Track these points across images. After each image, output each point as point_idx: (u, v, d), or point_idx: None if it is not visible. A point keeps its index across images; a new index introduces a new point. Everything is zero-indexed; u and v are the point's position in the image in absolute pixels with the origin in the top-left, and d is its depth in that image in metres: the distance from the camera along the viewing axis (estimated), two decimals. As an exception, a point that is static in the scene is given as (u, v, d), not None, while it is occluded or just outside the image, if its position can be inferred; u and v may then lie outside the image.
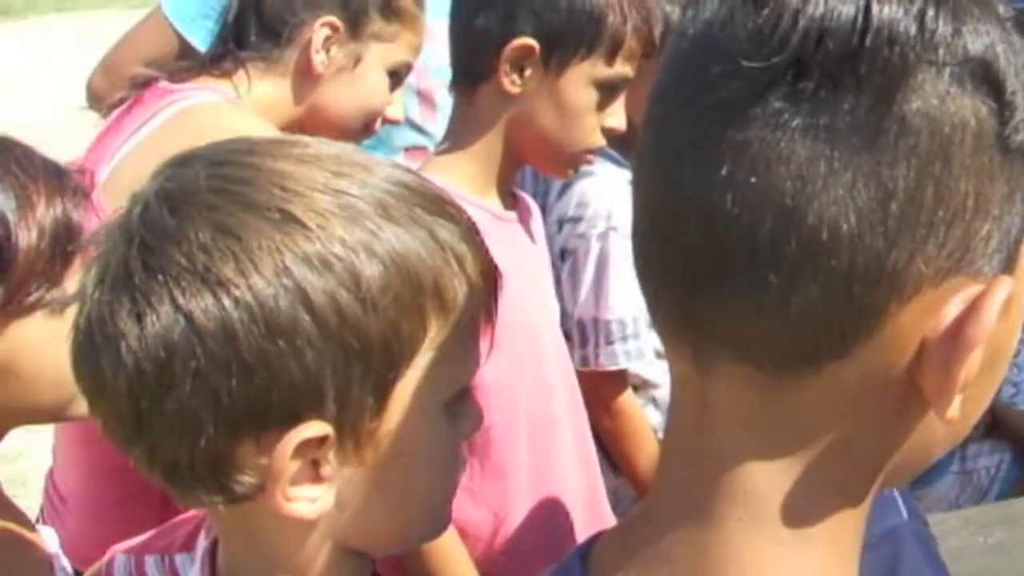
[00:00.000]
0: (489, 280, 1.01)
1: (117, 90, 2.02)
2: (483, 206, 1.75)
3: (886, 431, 0.72)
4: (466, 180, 1.75)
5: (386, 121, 2.05)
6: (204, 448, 0.91)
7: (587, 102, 1.73)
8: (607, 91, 1.72)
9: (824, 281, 0.66)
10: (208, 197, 0.92)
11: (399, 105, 2.07)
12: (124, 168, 1.80)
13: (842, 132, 0.65)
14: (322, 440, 0.92)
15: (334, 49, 1.95)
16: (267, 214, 0.91)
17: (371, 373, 0.92)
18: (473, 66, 1.75)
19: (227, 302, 0.89)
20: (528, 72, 1.70)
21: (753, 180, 0.66)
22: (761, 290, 0.67)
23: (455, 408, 1.01)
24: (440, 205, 0.99)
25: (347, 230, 0.92)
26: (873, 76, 0.65)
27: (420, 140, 2.27)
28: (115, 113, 1.95)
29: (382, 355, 0.92)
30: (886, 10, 0.65)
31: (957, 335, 0.67)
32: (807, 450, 0.71)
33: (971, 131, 0.66)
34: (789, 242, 0.66)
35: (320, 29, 1.93)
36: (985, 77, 0.66)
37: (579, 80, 1.71)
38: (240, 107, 1.88)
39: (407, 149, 2.30)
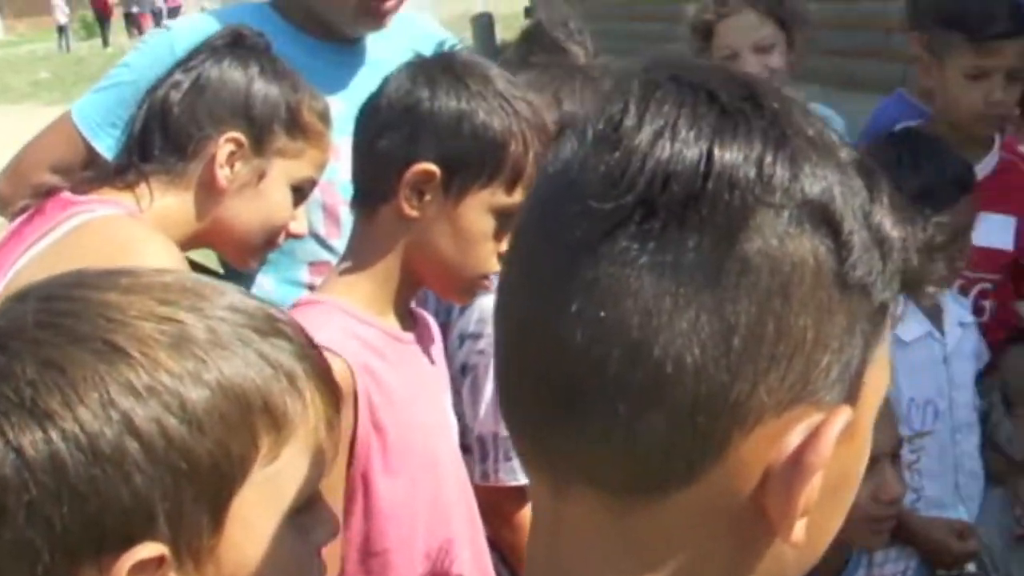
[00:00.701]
0: (328, 394, 1.04)
1: (20, 197, 2.01)
2: (380, 327, 1.76)
3: (735, 556, 0.74)
4: (364, 301, 1.76)
5: (289, 235, 2.06)
6: (44, 574, 0.93)
7: (485, 229, 1.74)
8: (505, 219, 1.73)
9: (670, 411, 0.69)
10: (35, 332, 0.95)
11: (303, 220, 2.07)
12: (20, 281, 1.78)
13: (687, 270, 0.68)
14: (160, 561, 0.94)
15: (238, 164, 1.95)
16: (92, 345, 0.94)
17: (203, 492, 0.95)
18: (373, 187, 1.77)
19: (54, 434, 0.92)
20: (428, 197, 1.72)
21: (602, 315, 0.69)
22: (610, 419, 0.70)
23: (303, 519, 1.04)
24: (273, 325, 1.02)
25: (172, 356, 0.95)
26: (715, 217, 0.68)
27: (324, 255, 2.28)
28: (17, 222, 1.94)
29: (212, 474, 0.95)
30: (727, 155, 0.69)
31: (797, 462, 0.70)
32: (656, 574, 0.73)
33: (810, 269, 0.70)
34: (636, 374, 0.69)
35: (224, 144, 1.93)
36: (823, 218, 0.70)
37: (478, 207, 1.73)
38: (140, 221, 1.87)
39: (311, 263, 2.30)
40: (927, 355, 2.63)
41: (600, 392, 0.70)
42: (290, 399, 1.00)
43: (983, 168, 2.87)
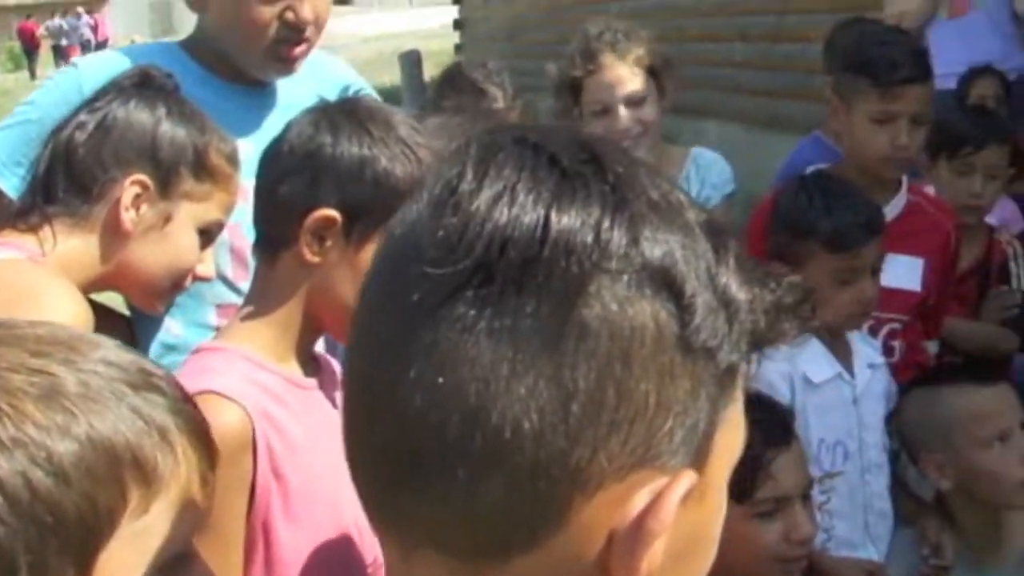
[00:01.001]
0: (202, 449, 1.04)
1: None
2: (282, 373, 1.74)
3: None
4: (265, 347, 1.75)
5: (196, 278, 2.04)
6: None
7: None
8: (407, 266, 1.73)
9: (509, 477, 0.69)
10: None
11: (210, 263, 2.06)
12: None
13: (525, 335, 0.68)
14: None
15: (144, 207, 1.94)
16: None
17: (69, 546, 0.94)
18: (275, 233, 1.76)
19: None
20: (329, 243, 1.71)
21: (441, 380, 0.69)
22: (450, 484, 0.70)
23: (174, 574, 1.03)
24: (147, 379, 1.02)
25: (40, 409, 0.94)
26: (553, 283, 0.69)
27: (232, 297, 2.26)
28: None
29: (79, 528, 0.94)
30: (564, 220, 0.69)
31: (639, 527, 0.70)
32: None
33: (651, 334, 0.70)
34: (474, 440, 0.69)
35: (130, 187, 1.92)
36: (664, 282, 0.71)
37: None
38: (41, 266, 1.85)
39: (219, 305, 2.29)
40: (837, 396, 2.66)
41: (440, 457, 0.70)
42: (161, 454, 0.99)
43: (891, 210, 2.92)
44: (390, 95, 14.76)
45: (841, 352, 2.68)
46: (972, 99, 5.04)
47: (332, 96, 1.88)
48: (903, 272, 2.92)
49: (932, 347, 3.13)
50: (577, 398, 0.68)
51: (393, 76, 13.71)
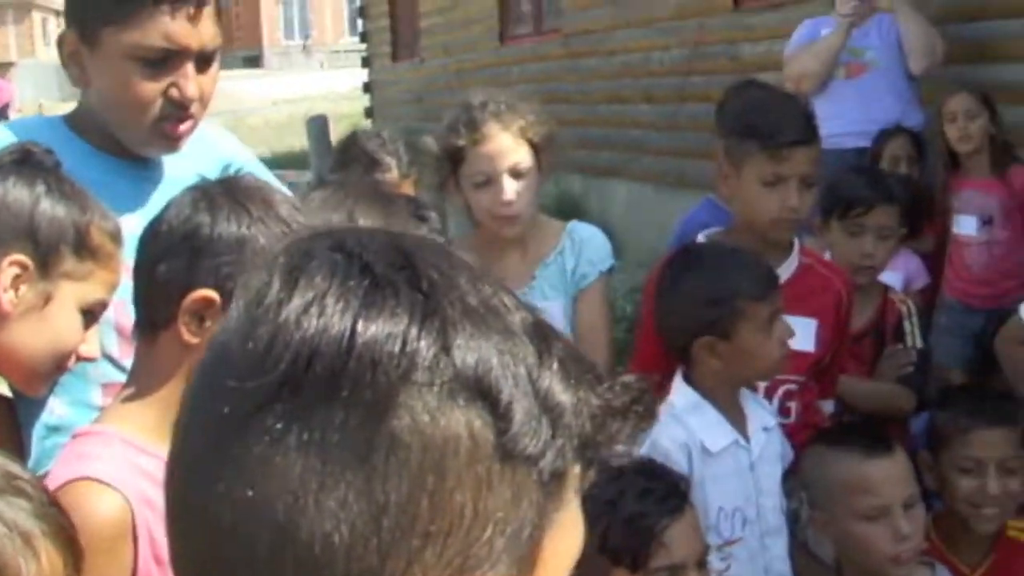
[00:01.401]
0: (67, 552, 1.02)
1: None
2: (162, 456, 1.71)
3: None
4: (146, 429, 1.72)
5: (80, 359, 2.01)
6: None
7: None
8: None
9: None
10: None
11: (94, 342, 2.03)
12: None
13: (334, 448, 0.67)
14: None
15: (23, 288, 1.90)
16: None
17: None
18: (154, 313, 1.74)
19: None
20: (208, 323, 1.69)
21: (250, 495, 0.68)
22: None
23: None
24: (11, 483, 1.00)
25: None
26: (360, 395, 0.68)
27: (118, 376, 2.22)
28: None
29: None
30: (372, 330, 0.69)
31: None
32: None
33: (465, 444, 0.69)
34: (285, 556, 0.68)
35: (8, 267, 1.89)
36: (478, 391, 0.70)
37: None
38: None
39: (104, 384, 2.25)
40: (734, 464, 2.66)
41: (253, 573, 0.68)
42: (24, 559, 0.97)
43: (783, 272, 2.94)
44: (299, 159, 14.72)
45: (736, 418, 2.69)
46: (885, 159, 5.15)
47: (215, 173, 1.86)
48: (797, 333, 2.94)
49: (828, 406, 3.16)
50: (389, 511, 0.67)
51: (303, 140, 13.69)
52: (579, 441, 0.74)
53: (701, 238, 3.04)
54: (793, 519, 2.84)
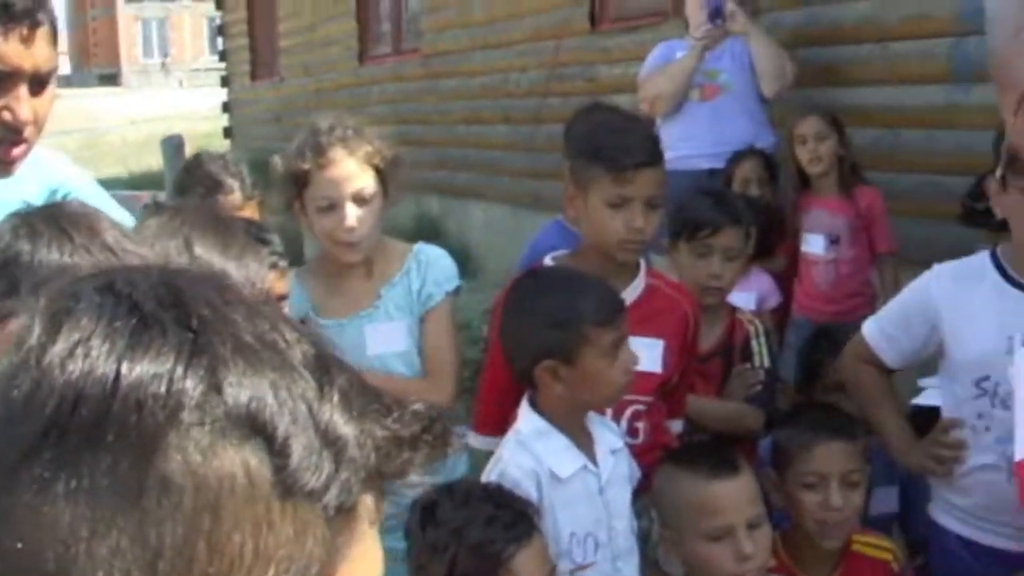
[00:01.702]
0: None
1: None
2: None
3: None
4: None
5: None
6: None
7: None
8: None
9: None
10: None
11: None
12: None
13: (104, 494, 0.65)
14: None
15: None
16: None
17: None
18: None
19: None
20: None
21: (20, 546, 0.65)
22: None
23: None
24: None
25: None
26: (127, 437, 0.65)
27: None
28: None
29: None
30: (137, 371, 0.66)
31: None
32: None
33: (240, 483, 0.67)
34: None
35: None
36: (252, 428, 0.68)
37: None
38: None
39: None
40: (583, 488, 2.65)
41: None
42: None
43: (631, 293, 2.96)
44: (156, 180, 14.47)
45: (584, 442, 2.69)
46: (737, 181, 5.24)
47: (44, 198, 1.81)
48: (644, 354, 2.96)
49: (677, 426, 3.18)
50: (164, 555, 0.65)
51: (160, 160, 13.49)
52: (365, 473, 0.73)
53: (549, 260, 3.04)
54: (644, 538, 2.86)
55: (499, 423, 2.89)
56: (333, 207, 3.04)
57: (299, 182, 3.07)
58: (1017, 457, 2.56)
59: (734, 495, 2.68)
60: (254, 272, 2.26)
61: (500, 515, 2.27)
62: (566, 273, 2.79)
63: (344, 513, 0.72)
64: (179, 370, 0.67)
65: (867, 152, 5.75)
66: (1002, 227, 3.08)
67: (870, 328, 3.16)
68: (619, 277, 2.93)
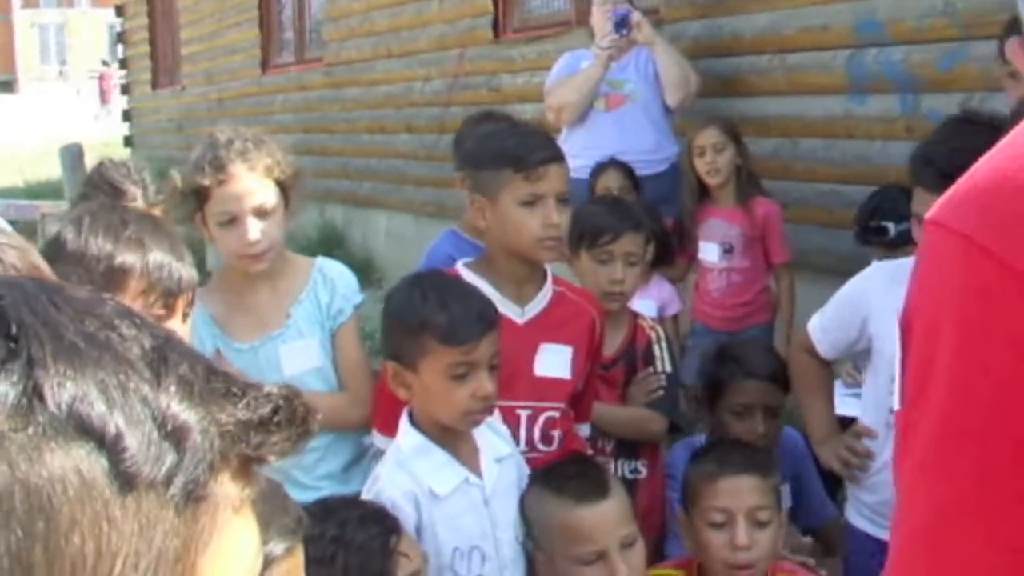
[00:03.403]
0: None
1: None
2: None
3: None
4: None
5: None
6: None
7: None
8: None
9: None
10: None
11: None
12: None
13: None
14: None
15: None
16: None
17: None
18: None
19: None
20: None
21: None
22: None
23: None
24: None
25: None
26: None
27: None
28: None
29: None
30: None
31: None
32: None
33: (73, 484, 0.66)
34: None
35: None
36: (81, 428, 0.67)
37: None
38: None
39: None
40: (467, 503, 2.60)
41: None
42: None
43: (540, 300, 2.97)
44: (55, 189, 14.22)
45: (466, 453, 2.64)
46: (598, 190, 5.30)
47: None
48: (554, 361, 2.98)
49: (584, 430, 3.20)
50: (1, 565, 0.64)
51: (58, 169, 13.27)
52: (213, 459, 0.72)
53: (460, 267, 3.03)
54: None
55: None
56: (234, 221, 3.02)
57: (199, 196, 3.05)
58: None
59: (604, 519, 2.59)
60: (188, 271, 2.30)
61: (367, 514, 2.29)
62: (445, 282, 2.74)
63: (197, 502, 0.71)
64: None
65: (767, 161, 5.85)
66: (896, 244, 3.17)
67: (812, 320, 3.26)
68: (529, 283, 2.94)
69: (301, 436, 0.78)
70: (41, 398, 0.67)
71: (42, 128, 27.18)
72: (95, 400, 0.68)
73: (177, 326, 2.25)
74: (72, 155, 10.55)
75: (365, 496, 2.57)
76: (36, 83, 52.65)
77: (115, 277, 2.20)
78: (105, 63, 38.71)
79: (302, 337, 3.14)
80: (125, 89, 17.38)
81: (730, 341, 4.25)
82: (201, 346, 2.98)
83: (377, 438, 2.98)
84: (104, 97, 34.60)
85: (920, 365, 0.92)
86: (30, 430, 0.66)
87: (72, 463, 0.66)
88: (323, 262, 3.28)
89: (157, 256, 2.25)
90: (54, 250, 2.24)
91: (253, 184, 3.02)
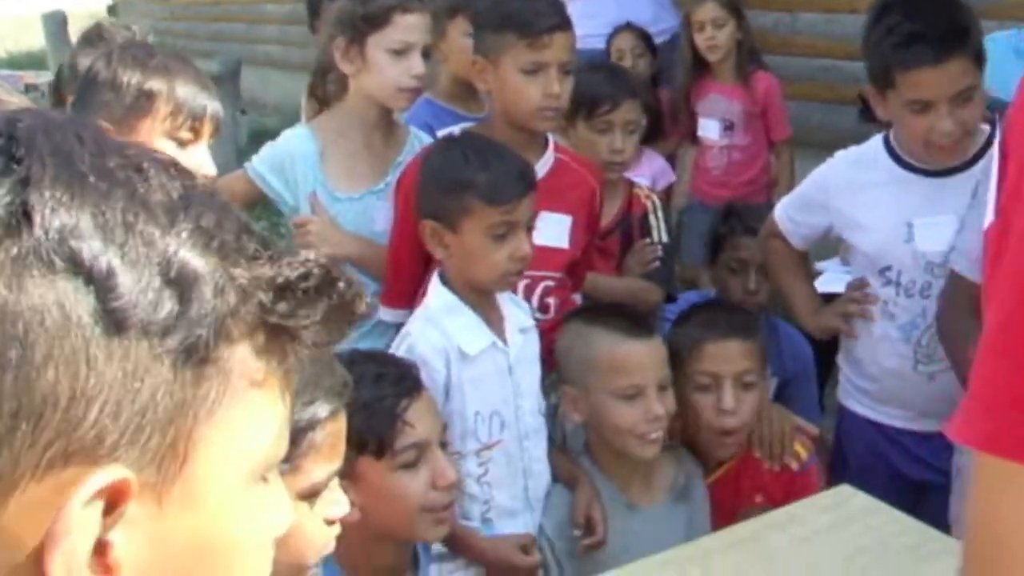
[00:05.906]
0: None
1: None
2: None
3: None
4: None
5: None
6: None
7: None
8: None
9: None
10: None
11: None
12: None
13: None
14: None
15: None
16: None
17: None
18: None
19: None
20: None
21: None
22: None
23: None
24: None
25: None
26: None
27: None
28: None
29: None
30: None
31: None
32: None
33: (53, 315, 0.63)
34: None
35: None
36: (68, 259, 0.64)
37: None
38: None
39: None
40: (492, 367, 2.62)
41: None
42: None
43: (541, 168, 2.92)
44: (37, 59, 14.02)
45: (493, 319, 2.65)
46: (613, 53, 5.22)
47: None
48: (553, 230, 2.94)
49: (576, 300, 3.18)
50: None
51: (41, 39, 13.08)
52: (222, 316, 0.68)
53: (456, 132, 2.98)
54: (552, 414, 2.85)
55: (408, 296, 2.86)
56: (405, 52, 3.00)
57: (375, 22, 3.00)
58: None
59: (648, 355, 2.68)
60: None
61: (386, 373, 2.27)
62: (485, 143, 2.71)
63: (201, 364, 0.68)
64: None
65: (766, 35, 5.75)
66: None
67: (778, 210, 3.21)
68: (528, 150, 2.88)
69: (342, 315, 0.73)
70: (29, 220, 0.64)
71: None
72: (89, 233, 0.65)
73: (202, 149, 2.44)
74: (56, 23, 10.39)
75: (393, 351, 2.57)
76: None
77: (144, 101, 2.38)
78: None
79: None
80: (109, -43, 17.04)
81: (736, 203, 4.20)
82: (303, 181, 3.06)
83: (382, 311, 2.95)
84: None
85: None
86: (13, 251, 0.63)
87: (54, 296, 0.63)
88: (418, 132, 3.26)
89: (183, 81, 2.42)
90: (87, 82, 2.42)
91: (426, 24, 3.05)
